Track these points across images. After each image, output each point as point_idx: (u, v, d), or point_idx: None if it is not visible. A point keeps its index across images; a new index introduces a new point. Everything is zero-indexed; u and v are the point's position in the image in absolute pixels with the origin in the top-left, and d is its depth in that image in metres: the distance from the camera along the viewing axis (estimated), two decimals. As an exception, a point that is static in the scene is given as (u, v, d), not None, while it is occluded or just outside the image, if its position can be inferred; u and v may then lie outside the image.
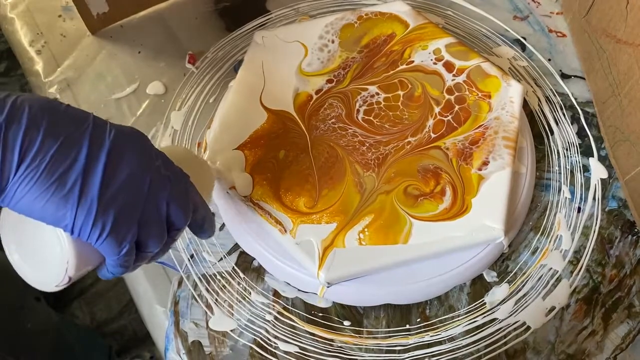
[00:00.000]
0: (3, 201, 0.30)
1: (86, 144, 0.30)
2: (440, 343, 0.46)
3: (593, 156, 0.54)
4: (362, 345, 0.46)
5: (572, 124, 0.55)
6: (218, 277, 0.49)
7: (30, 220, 0.31)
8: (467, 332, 0.46)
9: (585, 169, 0.53)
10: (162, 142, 0.55)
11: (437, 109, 0.51)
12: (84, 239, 0.31)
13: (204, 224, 0.39)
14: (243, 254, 0.49)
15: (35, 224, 0.31)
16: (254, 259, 0.49)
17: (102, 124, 0.32)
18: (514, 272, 0.49)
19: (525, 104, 0.54)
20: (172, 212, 0.34)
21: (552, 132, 0.55)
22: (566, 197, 0.52)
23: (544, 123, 0.55)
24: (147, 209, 0.33)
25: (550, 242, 0.50)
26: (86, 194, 0.30)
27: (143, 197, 0.32)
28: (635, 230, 0.50)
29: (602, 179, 0.53)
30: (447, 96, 0.52)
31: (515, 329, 0.46)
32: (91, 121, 0.31)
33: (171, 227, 0.35)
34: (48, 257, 0.33)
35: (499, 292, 0.48)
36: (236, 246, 0.50)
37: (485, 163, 0.48)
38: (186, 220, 0.36)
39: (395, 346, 0.46)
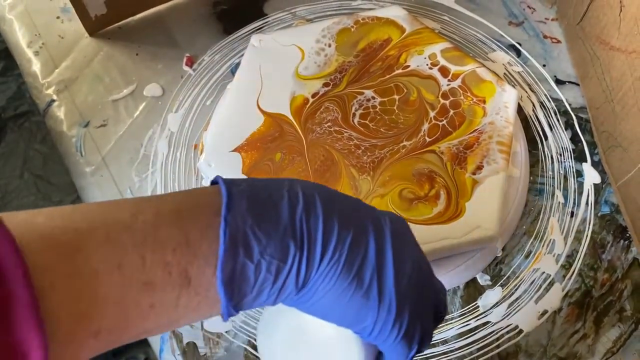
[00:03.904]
0: (301, 298, 0.27)
1: (372, 234, 0.28)
2: (433, 345, 0.46)
3: (586, 161, 0.54)
4: (356, 347, 0.46)
5: (566, 130, 0.56)
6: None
7: (296, 326, 0.29)
8: (460, 334, 0.47)
9: (579, 174, 0.54)
10: (158, 143, 0.55)
11: (432, 114, 0.52)
12: (380, 341, 0.28)
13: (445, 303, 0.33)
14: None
15: (302, 329, 0.29)
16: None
17: (370, 208, 0.30)
18: (507, 275, 0.49)
19: (519, 109, 0.55)
20: (439, 301, 0.31)
21: (546, 137, 0.55)
22: (559, 202, 0.52)
23: (538, 128, 0.56)
24: (424, 303, 0.30)
25: (543, 246, 0.50)
26: (384, 292, 0.27)
27: (422, 291, 0.29)
28: (627, 235, 0.51)
29: (595, 184, 0.53)
30: (442, 101, 0.52)
31: (507, 332, 0.47)
32: (363, 205, 0.29)
33: (435, 318, 0.31)
34: None
35: (492, 295, 0.48)
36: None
37: (480, 167, 0.48)
38: (447, 306, 0.33)
39: (389, 348, 0.46)
